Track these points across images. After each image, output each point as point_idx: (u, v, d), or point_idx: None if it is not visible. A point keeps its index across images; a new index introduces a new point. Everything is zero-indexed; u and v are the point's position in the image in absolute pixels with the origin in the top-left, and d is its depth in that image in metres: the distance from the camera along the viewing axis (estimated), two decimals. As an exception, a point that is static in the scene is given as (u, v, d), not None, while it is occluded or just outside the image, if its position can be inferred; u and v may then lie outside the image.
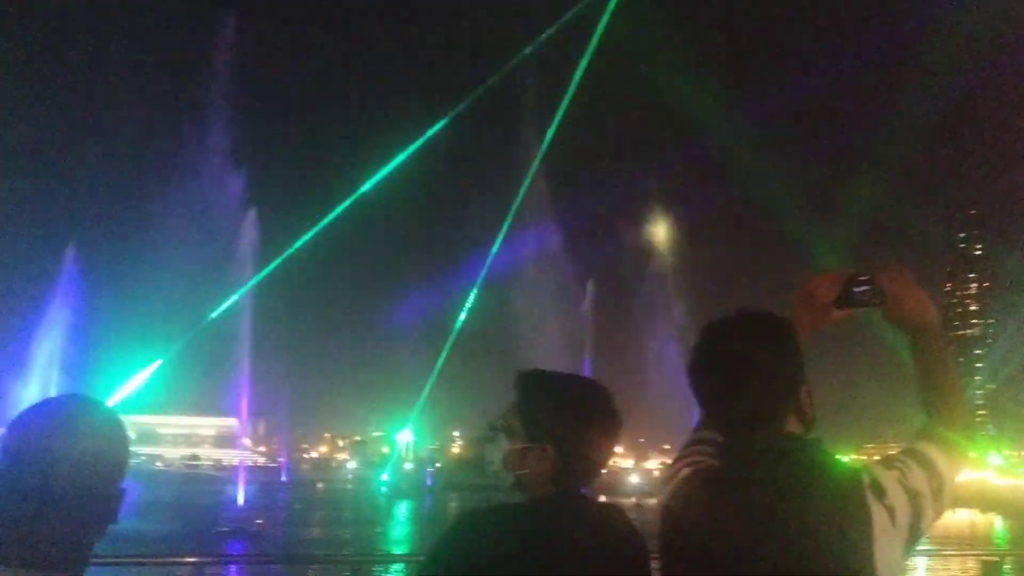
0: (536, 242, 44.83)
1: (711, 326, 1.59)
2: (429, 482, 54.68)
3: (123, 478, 1.17)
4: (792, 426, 1.53)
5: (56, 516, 1.10)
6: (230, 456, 63.32)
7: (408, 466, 69.86)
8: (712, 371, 1.53)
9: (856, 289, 1.66)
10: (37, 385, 39.34)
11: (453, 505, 34.84)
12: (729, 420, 1.53)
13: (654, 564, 1.58)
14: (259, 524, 22.13)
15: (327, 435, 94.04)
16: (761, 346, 1.51)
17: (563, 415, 1.60)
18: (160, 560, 5.05)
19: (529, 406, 1.62)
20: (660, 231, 48.39)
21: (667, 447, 50.21)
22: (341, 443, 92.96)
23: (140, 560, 4.34)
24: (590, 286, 46.71)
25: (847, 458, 1.76)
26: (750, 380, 1.51)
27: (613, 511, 1.64)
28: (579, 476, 1.58)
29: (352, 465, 72.96)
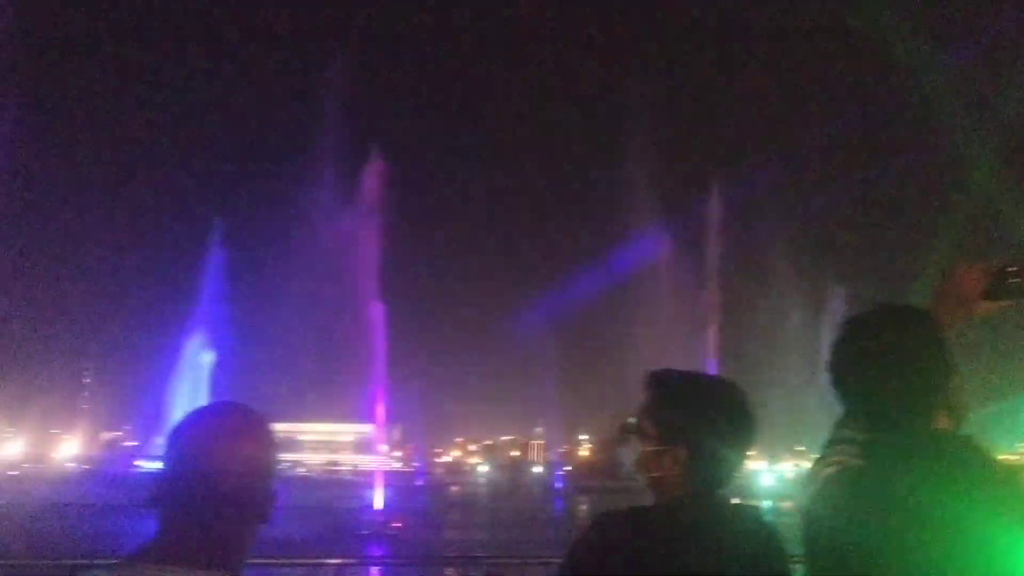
0: (658, 243, 44.28)
1: (854, 320, 1.55)
2: (558, 485, 54.99)
3: (273, 479, 1.21)
4: (941, 422, 1.46)
5: (218, 517, 1.14)
6: (367, 461, 65.17)
7: (537, 469, 70.49)
8: (858, 365, 1.48)
9: (1011, 280, 1.58)
10: (187, 393, 41.49)
11: (584, 508, 34.70)
12: (875, 416, 1.48)
13: (794, 567, 1.54)
14: (397, 527, 22.61)
15: (459, 440, 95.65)
16: (908, 338, 1.46)
17: (697, 417, 1.57)
18: (305, 562, 5.24)
19: (662, 407, 1.60)
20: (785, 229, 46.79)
21: (801, 448, 48.51)
22: (472, 447, 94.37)
23: (286, 562, 4.51)
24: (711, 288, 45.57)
25: (1002, 457, 1.66)
26: (899, 373, 1.44)
27: (752, 512, 1.60)
28: (714, 478, 1.55)
29: (483, 468, 74.05)
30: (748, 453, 1.62)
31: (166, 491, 1.15)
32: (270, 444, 1.22)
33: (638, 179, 43.39)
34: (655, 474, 1.58)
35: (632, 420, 1.64)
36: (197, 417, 1.22)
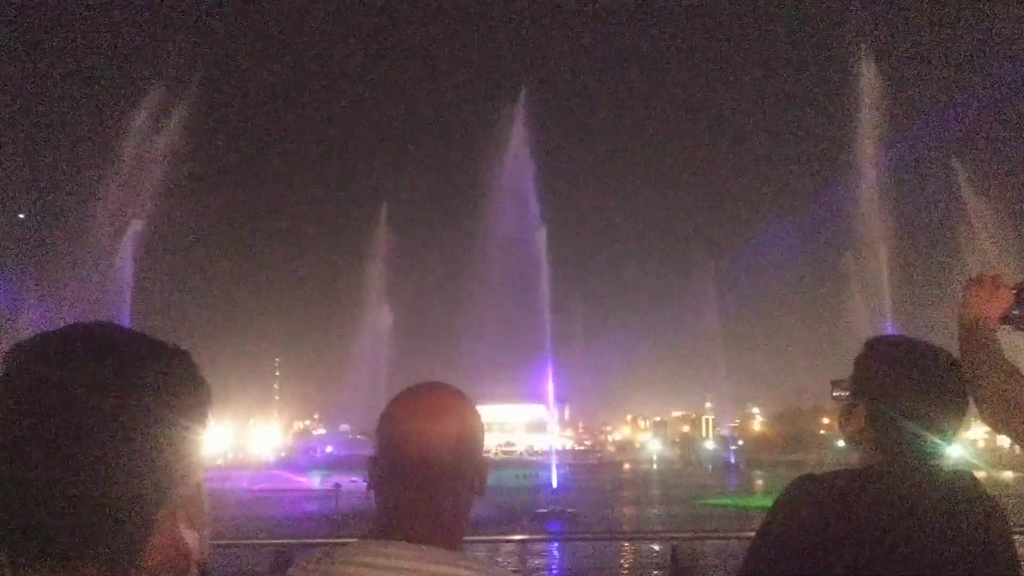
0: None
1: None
2: (732, 460, 53.63)
3: (483, 455, 1.24)
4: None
5: (437, 494, 1.17)
6: (541, 441, 66.00)
7: (709, 445, 68.97)
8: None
9: None
10: (367, 380, 43.26)
11: (760, 483, 33.89)
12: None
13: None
14: (574, 505, 22.85)
15: (629, 417, 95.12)
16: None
17: (879, 372, 1.55)
18: (490, 539, 5.42)
19: (860, 363, 1.60)
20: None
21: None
22: (642, 424, 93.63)
23: (471, 539, 4.70)
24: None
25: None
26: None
27: (967, 480, 1.53)
28: (906, 443, 1.50)
29: (655, 446, 73.43)
30: (953, 423, 1.54)
31: (383, 473, 1.17)
32: (477, 421, 1.23)
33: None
34: (847, 430, 1.56)
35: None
36: (406, 398, 1.23)
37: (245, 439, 61.23)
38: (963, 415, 1.54)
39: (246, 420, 64.24)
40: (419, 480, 1.16)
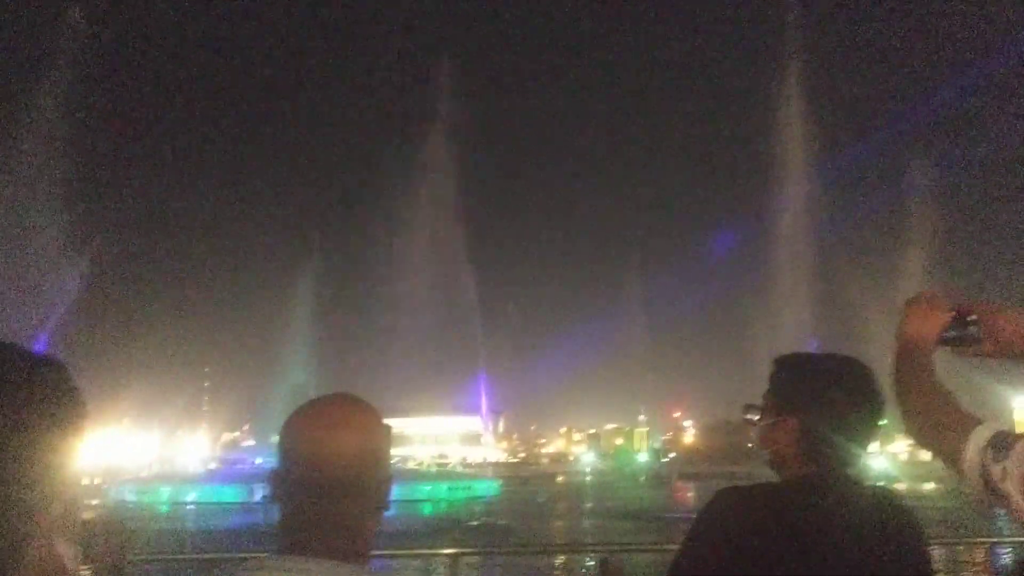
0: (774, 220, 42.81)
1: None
2: (662, 472, 54.26)
3: (388, 468, 1.21)
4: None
5: (339, 507, 1.14)
6: (475, 453, 65.77)
7: (642, 457, 69.67)
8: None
9: (969, 328, 1.48)
10: (297, 392, 42.80)
11: (690, 495, 34.28)
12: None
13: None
14: (506, 517, 22.81)
15: (563, 429, 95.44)
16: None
17: (809, 387, 1.56)
18: (420, 552, 5.35)
19: (779, 380, 1.61)
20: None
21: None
22: (577, 437, 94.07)
23: (399, 553, 4.61)
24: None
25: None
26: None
27: (885, 493, 1.58)
28: (833, 455, 1.52)
29: (588, 458, 73.88)
30: (872, 432, 1.58)
31: (284, 485, 1.16)
32: (381, 433, 1.21)
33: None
34: (771, 448, 1.58)
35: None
36: (308, 410, 1.21)
37: (172, 450, 59.90)
38: (880, 425, 1.58)
39: (173, 431, 62.80)
40: (319, 493, 1.14)
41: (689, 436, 75.42)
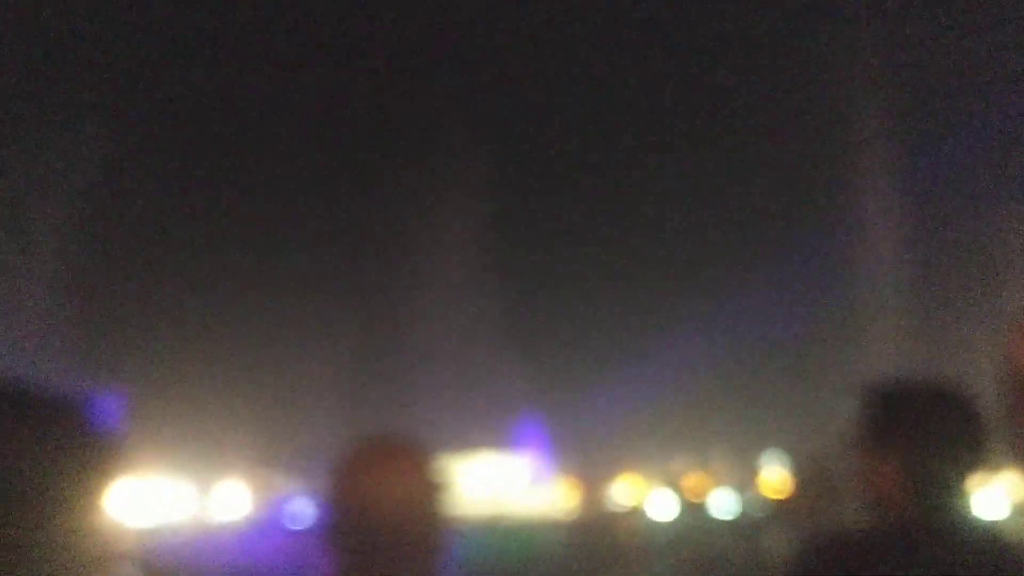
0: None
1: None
2: (760, 515, 52.91)
3: (441, 511, 1.18)
4: None
5: (401, 555, 1.11)
6: (535, 496, 65.29)
7: (726, 502, 68.35)
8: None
9: None
10: (332, 429, 43.07)
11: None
12: None
13: None
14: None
15: (629, 468, 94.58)
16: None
17: (910, 417, 1.51)
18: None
19: (874, 411, 1.56)
20: None
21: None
22: (645, 476, 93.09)
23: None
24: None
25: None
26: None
27: (1003, 532, 1.52)
28: (942, 492, 1.47)
29: (663, 502, 72.94)
30: (980, 465, 1.52)
31: (334, 535, 1.13)
32: (437, 476, 1.19)
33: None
34: (871, 489, 1.53)
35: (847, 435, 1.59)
36: (357, 453, 1.19)
37: (209, 496, 60.67)
38: (988, 456, 1.52)
39: (210, 475, 63.70)
40: (374, 542, 1.12)
41: (774, 474, 73.95)
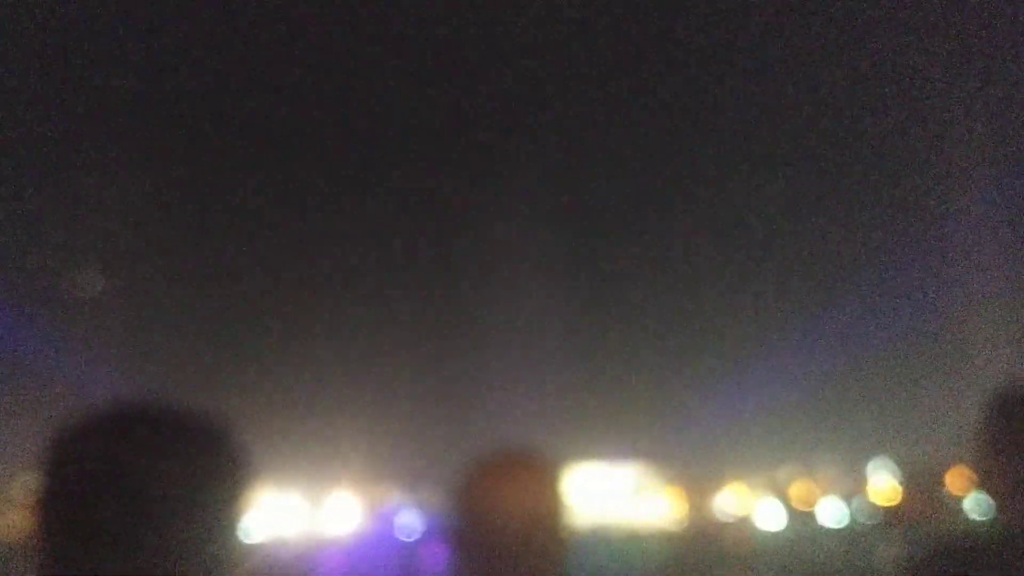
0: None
1: None
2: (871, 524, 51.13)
3: (565, 525, 1.24)
4: None
5: (531, 567, 1.17)
6: (647, 506, 64.21)
7: (836, 512, 65.92)
8: None
9: None
10: (444, 440, 43.52)
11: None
12: None
13: None
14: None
15: (729, 478, 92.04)
16: None
17: (1012, 431, 1.51)
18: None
19: (1010, 416, 1.54)
20: None
21: None
22: (751, 484, 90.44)
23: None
24: None
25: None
26: None
27: None
28: None
29: (772, 507, 70.82)
30: None
31: (461, 548, 1.17)
32: (562, 487, 1.21)
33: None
34: (1002, 498, 1.52)
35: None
36: (484, 466, 1.22)
37: (320, 510, 61.37)
38: None
39: (321, 489, 64.51)
40: (507, 553, 1.16)
41: (881, 484, 70.91)
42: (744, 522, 40.22)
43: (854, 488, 44.29)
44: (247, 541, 0.89)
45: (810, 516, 43.88)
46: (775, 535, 39.48)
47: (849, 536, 36.08)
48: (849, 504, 43.75)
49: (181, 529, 0.81)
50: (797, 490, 46.71)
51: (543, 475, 1.22)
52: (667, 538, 33.33)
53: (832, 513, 44.39)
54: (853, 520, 42.33)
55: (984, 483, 1.55)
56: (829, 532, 40.33)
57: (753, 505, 45.20)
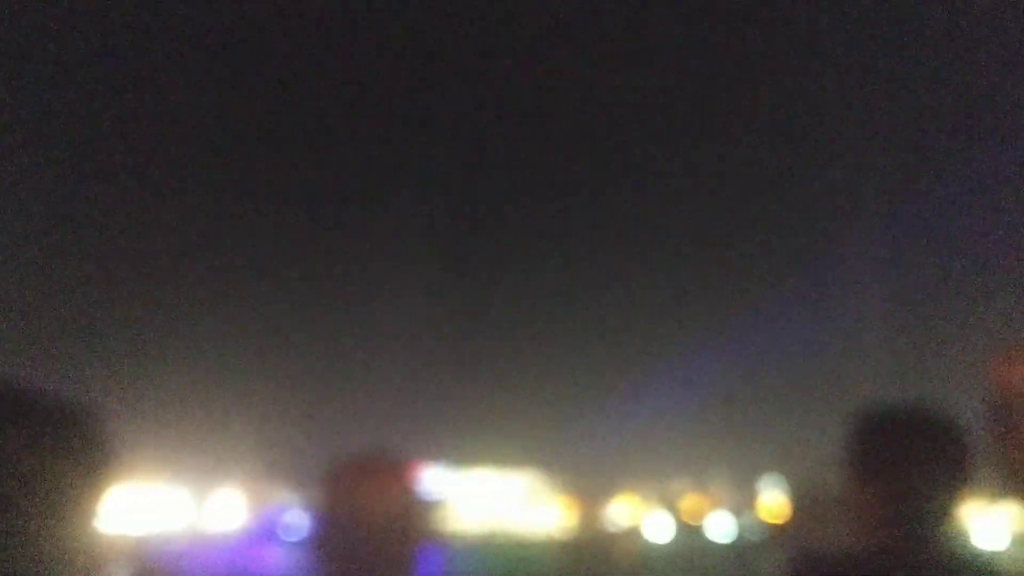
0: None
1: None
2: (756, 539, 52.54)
3: (424, 527, 1.23)
4: None
5: (391, 566, 1.18)
6: (534, 513, 64.70)
7: (728, 520, 67.71)
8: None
9: None
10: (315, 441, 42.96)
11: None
12: None
13: None
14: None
15: (626, 487, 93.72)
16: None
17: (895, 449, 1.52)
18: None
19: (855, 438, 1.59)
20: None
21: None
22: (643, 495, 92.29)
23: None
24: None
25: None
26: None
27: (989, 562, 1.53)
28: (922, 520, 1.49)
29: (658, 520, 72.13)
30: (962, 495, 1.54)
31: (321, 547, 1.18)
32: (416, 491, 1.22)
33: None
34: (854, 512, 1.56)
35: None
36: (344, 469, 1.22)
37: (205, 507, 60.32)
38: (971, 485, 1.54)
39: (205, 486, 63.37)
40: (362, 554, 1.16)
41: (771, 501, 73.09)
42: (633, 533, 40.66)
43: (745, 504, 45.25)
44: (109, 533, 0.87)
45: (698, 530, 44.68)
46: (662, 547, 40.02)
47: (735, 552, 36.85)
48: (739, 519, 44.63)
49: (26, 520, 0.79)
50: (688, 504, 47.63)
51: (396, 478, 1.23)
52: (556, 546, 33.44)
53: (720, 528, 45.20)
54: (741, 535, 43.13)
55: (845, 502, 1.59)
56: (716, 547, 41.10)
57: (643, 517, 45.78)
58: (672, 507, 47.84)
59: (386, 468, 1.22)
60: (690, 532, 43.21)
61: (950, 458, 1.51)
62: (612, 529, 40.22)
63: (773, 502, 41.51)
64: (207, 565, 28.36)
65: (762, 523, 40.69)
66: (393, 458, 1.24)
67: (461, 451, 50.51)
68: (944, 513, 1.50)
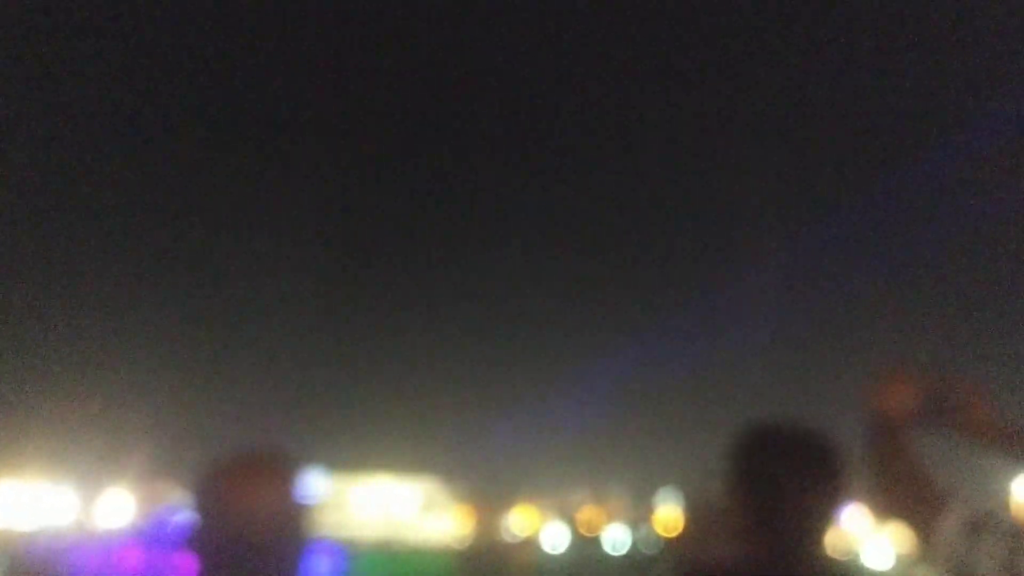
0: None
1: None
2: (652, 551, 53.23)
3: (307, 532, 1.24)
4: None
5: (256, 568, 1.17)
6: (432, 522, 64.40)
7: (623, 532, 68.53)
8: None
9: (941, 410, 1.45)
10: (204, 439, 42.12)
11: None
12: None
13: None
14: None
15: (525, 498, 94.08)
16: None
17: (768, 465, 1.57)
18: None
19: (733, 453, 1.64)
20: None
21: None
22: (541, 506, 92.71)
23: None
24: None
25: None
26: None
27: (855, 571, 1.50)
28: (793, 530, 1.52)
29: (556, 533, 72.48)
30: (837, 508, 1.59)
31: (200, 542, 1.17)
32: (299, 491, 1.20)
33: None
34: (732, 524, 1.59)
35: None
36: (224, 465, 1.21)
37: (91, 504, 58.61)
38: (842, 499, 1.58)
39: (92, 483, 61.49)
40: (235, 552, 1.15)
41: (666, 514, 74.30)
42: (529, 543, 40.80)
43: (641, 517, 45.89)
44: None
45: (595, 541, 45.11)
46: (557, 558, 40.27)
47: (627, 564, 37.34)
48: (635, 532, 45.23)
49: None
50: (584, 515, 48.06)
51: (273, 478, 1.20)
52: (452, 555, 33.37)
53: (615, 540, 45.71)
54: (634, 548, 43.64)
55: (730, 515, 1.62)
56: (609, 558, 41.53)
57: (540, 527, 46.01)
58: (569, 518, 48.11)
59: (262, 469, 1.21)
60: (586, 543, 43.50)
61: (828, 475, 1.55)
62: (509, 539, 40.20)
63: (668, 515, 42.13)
64: (88, 563, 27.54)
65: (656, 536, 41.25)
66: (271, 459, 1.22)
67: (355, 456, 49.98)
68: (822, 528, 1.53)
